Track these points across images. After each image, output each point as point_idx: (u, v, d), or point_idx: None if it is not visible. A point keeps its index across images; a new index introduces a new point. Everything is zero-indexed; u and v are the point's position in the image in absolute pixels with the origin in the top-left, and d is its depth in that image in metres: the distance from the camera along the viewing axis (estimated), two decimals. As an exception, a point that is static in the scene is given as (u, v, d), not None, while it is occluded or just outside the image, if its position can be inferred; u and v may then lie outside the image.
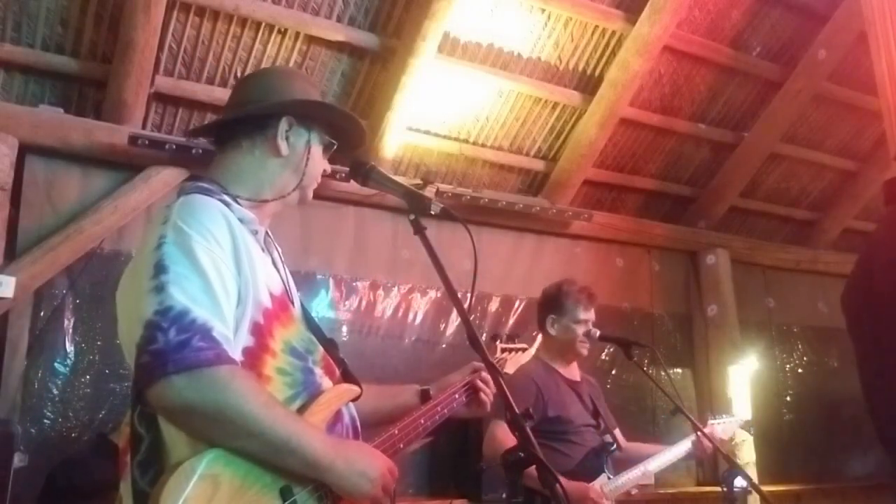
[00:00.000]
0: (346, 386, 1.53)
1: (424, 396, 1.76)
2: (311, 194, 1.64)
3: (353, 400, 1.54)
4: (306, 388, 1.43)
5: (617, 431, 3.12)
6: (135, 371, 1.26)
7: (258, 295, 1.39)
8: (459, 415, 1.79)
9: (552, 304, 3.03)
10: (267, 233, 1.58)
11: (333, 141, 1.66)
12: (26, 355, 3.36)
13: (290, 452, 1.28)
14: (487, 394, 1.81)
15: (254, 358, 1.36)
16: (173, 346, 1.22)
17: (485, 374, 1.79)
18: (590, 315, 3.00)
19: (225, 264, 1.34)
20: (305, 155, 1.58)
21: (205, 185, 1.48)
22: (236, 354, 1.31)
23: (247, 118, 1.56)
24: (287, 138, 1.56)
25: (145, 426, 1.32)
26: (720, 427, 3.09)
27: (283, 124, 1.55)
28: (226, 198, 1.46)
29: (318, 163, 1.63)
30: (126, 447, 1.36)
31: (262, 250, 1.51)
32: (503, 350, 2.17)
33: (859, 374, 1.42)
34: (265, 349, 1.39)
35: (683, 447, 2.99)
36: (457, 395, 1.76)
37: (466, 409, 1.80)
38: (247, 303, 1.37)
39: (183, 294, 1.26)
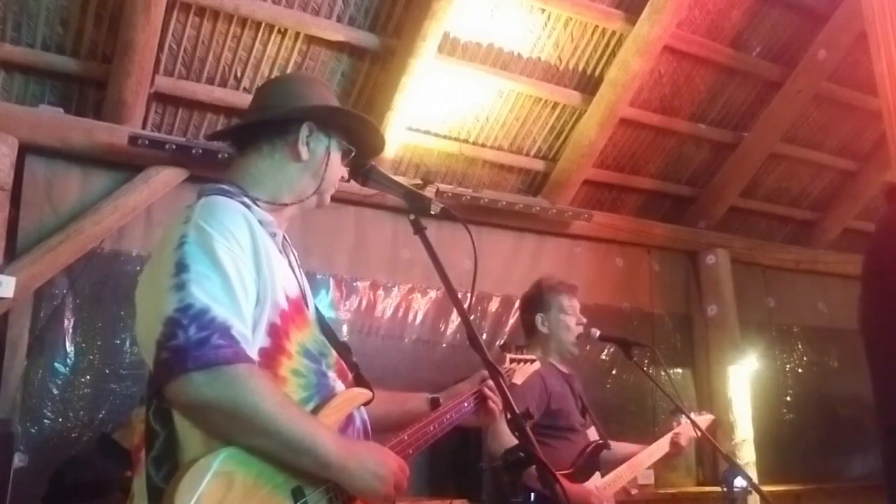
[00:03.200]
0: (358, 390, 1.54)
1: (434, 404, 1.78)
2: (328, 199, 1.66)
3: (365, 404, 1.56)
4: (319, 390, 1.45)
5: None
6: (154, 367, 1.27)
7: (275, 296, 1.41)
8: (467, 423, 1.80)
9: (536, 302, 3.03)
10: (284, 236, 1.60)
11: (352, 147, 1.67)
12: (26, 355, 3.36)
13: (303, 452, 1.30)
14: (496, 402, 1.81)
15: (270, 359, 1.38)
16: (193, 343, 1.24)
17: (493, 383, 1.78)
18: (574, 303, 3.01)
19: (245, 265, 1.36)
20: (325, 160, 1.60)
21: (225, 186, 1.51)
22: (253, 354, 1.33)
23: (268, 123, 1.59)
24: (308, 143, 1.58)
25: (161, 422, 1.33)
26: (686, 426, 3.09)
27: (305, 130, 1.58)
28: (246, 200, 1.49)
29: (337, 169, 1.64)
30: (140, 444, 1.37)
31: (280, 253, 1.52)
32: (511, 360, 2.18)
33: (876, 377, 1.39)
34: (281, 350, 1.40)
35: (663, 445, 3.01)
36: (465, 403, 1.78)
37: (475, 417, 1.81)
38: (265, 304, 1.38)
39: (203, 292, 1.28)
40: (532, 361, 2.25)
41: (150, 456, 1.32)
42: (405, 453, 1.54)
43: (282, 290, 1.43)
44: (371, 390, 1.56)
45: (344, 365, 1.56)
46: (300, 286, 1.54)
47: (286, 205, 1.57)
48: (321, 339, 1.52)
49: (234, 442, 1.27)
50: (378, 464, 1.39)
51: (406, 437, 1.57)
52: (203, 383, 1.23)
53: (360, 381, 1.58)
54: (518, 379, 2.17)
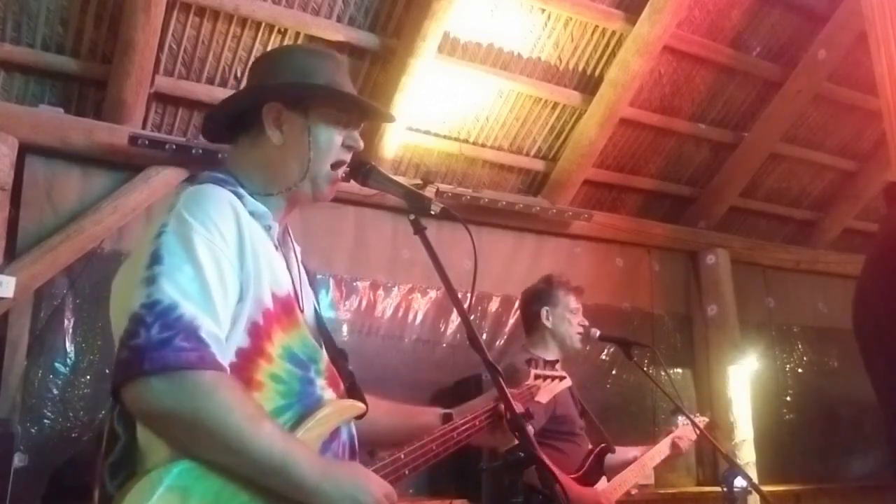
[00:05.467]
0: (349, 402, 1.43)
1: (447, 420, 1.63)
2: (324, 184, 1.49)
3: (358, 417, 1.44)
4: (301, 399, 1.33)
5: None
6: (114, 366, 1.20)
7: (260, 293, 1.31)
8: (480, 443, 1.67)
9: (544, 296, 3.03)
10: (287, 230, 1.51)
11: (343, 115, 1.50)
12: (26, 355, 3.36)
13: (273, 472, 1.18)
14: None
15: (247, 360, 1.27)
16: (154, 343, 1.14)
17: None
18: (580, 306, 3.02)
19: (226, 258, 1.26)
20: (306, 140, 1.45)
21: (220, 175, 1.42)
22: (228, 354, 1.23)
23: (234, 111, 1.50)
24: (280, 126, 1.45)
25: (123, 425, 1.25)
26: (685, 428, 3.08)
27: (271, 112, 1.45)
28: (240, 190, 1.39)
29: (327, 147, 1.48)
30: (104, 449, 1.29)
31: (277, 248, 1.42)
32: (537, 377, 2.04)
33: (877, 379, 1.38)
34: (260, 352, 1.30)
35: (663, 448, 3.00)
36: (478, 422, 1.62)
37: (490, 436, 1.67)
38: (247, 300, 1.28)
39: (174, 287, 1.18)
40: (562, 378, 2.09)
41: (107, 461, 1.23)
42: (400, 474, 1.39)
43: (268, 287, 1.33)
44: (365, 403, 1.45)
45: (337, 373, 1.45)
46: (294, 286, 1.43)
47: (272, 194, 1.45)
48: (311, 343, 1.40)
49: (196, 456, 1.16)
50: (359, 489, 1.25)
51: (403, 456, 1.42)
52: (162, 390, 1.13)
53: (353, 392, 1.47)
54: (543, 397, 2.03)
